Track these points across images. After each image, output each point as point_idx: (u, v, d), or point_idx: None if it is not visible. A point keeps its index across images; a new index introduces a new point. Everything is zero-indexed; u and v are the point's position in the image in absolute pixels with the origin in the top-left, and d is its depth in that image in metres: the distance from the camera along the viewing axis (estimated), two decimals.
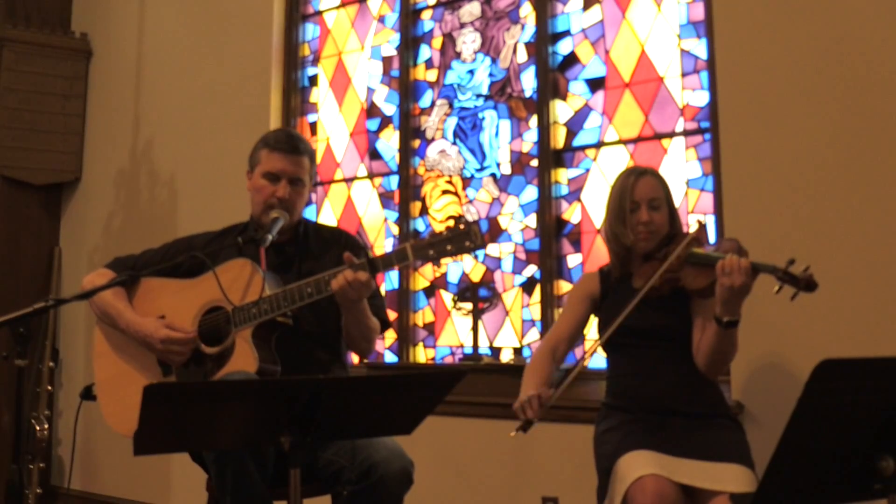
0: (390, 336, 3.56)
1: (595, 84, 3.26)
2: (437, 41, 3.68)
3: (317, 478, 2.11)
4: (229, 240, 2.32)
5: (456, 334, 3.45)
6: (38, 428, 4.15)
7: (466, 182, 3.51)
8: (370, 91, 3.86)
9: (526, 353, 3.25)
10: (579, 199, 3.22)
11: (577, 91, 3.29)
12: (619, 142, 3.16)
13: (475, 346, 3.30)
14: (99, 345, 2.38)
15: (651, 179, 2.33)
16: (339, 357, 2.33)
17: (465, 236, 2.00)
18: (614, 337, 2.31)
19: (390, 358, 3.55)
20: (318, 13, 4.07)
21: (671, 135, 3.06)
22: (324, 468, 2.10)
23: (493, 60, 3.51)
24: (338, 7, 4.01)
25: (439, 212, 3.55)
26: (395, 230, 3.64)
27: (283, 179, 2.27)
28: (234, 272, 2.20)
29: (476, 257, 3.43)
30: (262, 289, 2.13)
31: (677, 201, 2.95)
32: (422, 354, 3.52)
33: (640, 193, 2.29)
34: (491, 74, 3.51)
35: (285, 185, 2.27)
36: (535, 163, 3.31)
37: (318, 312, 2.20)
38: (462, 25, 3.62)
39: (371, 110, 3.84)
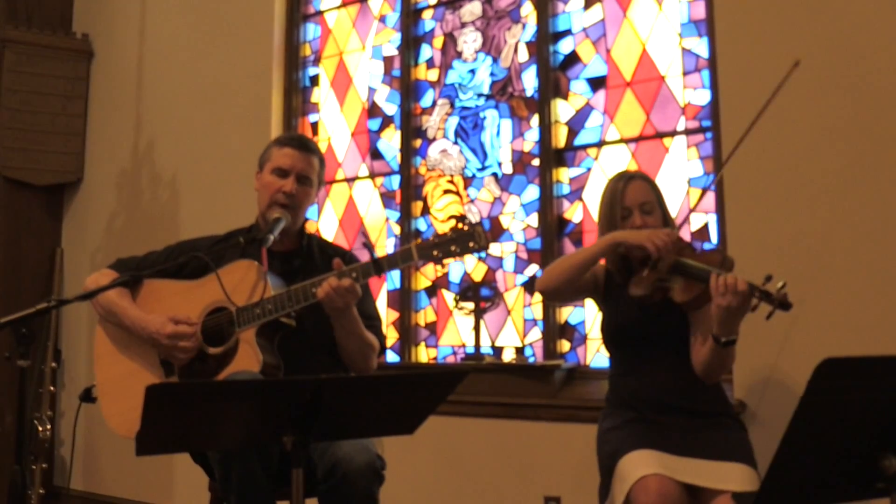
0: (392, 336, 3.56)
1: (596, 83, 3.25)
2: (438, 41, 3.68)
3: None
4: (233, 242, 2.32)
5: (458, 334, 3.45)
6: (40, 428, 4.16)
7: (468, 181, 3.51)
8: (371, 91, 3.86)
9: (528, 352, 3.25)
10: (581, 199, 3.22)
11: (579, 90, 3.29)
12: (621, 141, 3.16)
13: (477, 346, 3.30)
14: (100, 345, 2.37)
15: (641, 183, 2.30)
16: (341, 362, 2.32)
17: (469, 237, 2.00)
18: (617, 338, 2.31)
19: (392, 358, 3.55)
20: (319, 13, 4.07)
21: (672, 133, 3.06)
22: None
23: (495, 60, 3.51)
24: (339, 7, 4.01)
25: (441, 211, 3.55)
26: (397, 230, 3.64)
27: (291, 175, 2.27)
28: (240, 273, 2.20)
29: (478, 257, 3.43)
30: (266, 289, 2.13)
31: (679, 200, 2.96)
32: (424, 354, 3.52)
33: (630, 199, 2.27)
34: (492, 74, 3.50)
35: (293, 180, 2.27)
36: (536, 162, 3.31)
37: (320, 317, 2.20)
38: (463, 25, 3.62)
39: (372, 110, 3.84)
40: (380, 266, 2.06)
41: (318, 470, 2.00)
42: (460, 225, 2.01)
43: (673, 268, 2.15)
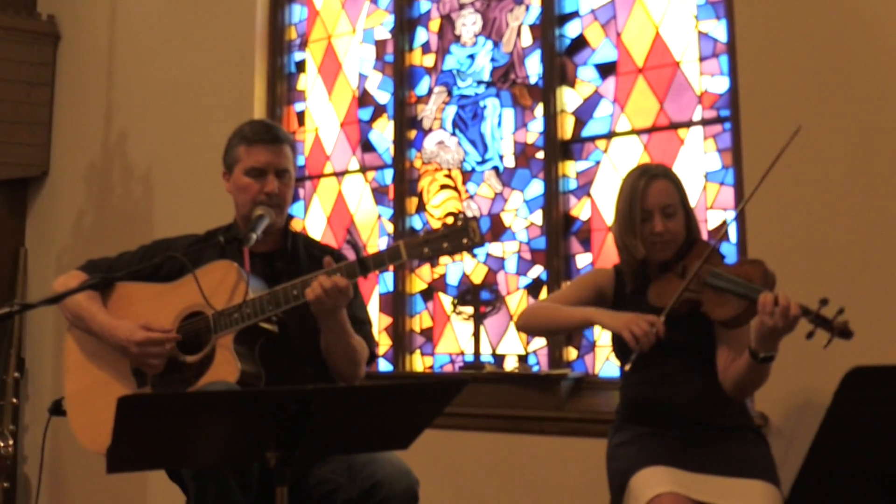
0: (385, 343, 3.56)
1: (606, 69, 3.26)
2: (435, 23, 3.68)
3: (307, 497, 2.11)
4: (212, 242, 2.32)
5: (456, 341, 3.45)
6: (1, 444, 4.15)
7: (467, 176, 3.51)
8: (362, 78, 3.86)
9: (532, 360, 3.25)
10: (589, 194, 3.22)
11: (587, 77, 3.30)
12: (632, 132, 3.16)
13: (477, 354, 3.30)
14: (70, 353, 2.37)
15: (664, 183, 2.27)
16: (326, 373, 2.32)
17: (462, 233, 1.99)
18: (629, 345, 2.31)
19: (385, 367, 3.55)
20: None
21: (688, 124, 3.06)
22: (315, 487, 2.09)
23: (496, 44, 3.51)
24: None
25: (437, 208, 3.56)
26: (390, 228, 3.64)
27: (269, 173, 2.27)
28: (218, 275, 2.20)
29: (476, 256, 3.44)
30: (246, 292, 2.12)
31: (695, 196, 2.97)
32: (419, 362, 3.53)
33: (652, 201, 2.24)
34: (493, 59, 3.51)
35: (273, 178, 2.26)
36: (540, 155, 3.32)
37: (304, 324, 2.19)
38: (461, 6, 3.62)
39: (363, 98, 3.84)
40: (366, 265, 2.06)
41: (347, 488, 2.03)
42: (452, 220, 2.00)
43: (706, 281, 2.13)
